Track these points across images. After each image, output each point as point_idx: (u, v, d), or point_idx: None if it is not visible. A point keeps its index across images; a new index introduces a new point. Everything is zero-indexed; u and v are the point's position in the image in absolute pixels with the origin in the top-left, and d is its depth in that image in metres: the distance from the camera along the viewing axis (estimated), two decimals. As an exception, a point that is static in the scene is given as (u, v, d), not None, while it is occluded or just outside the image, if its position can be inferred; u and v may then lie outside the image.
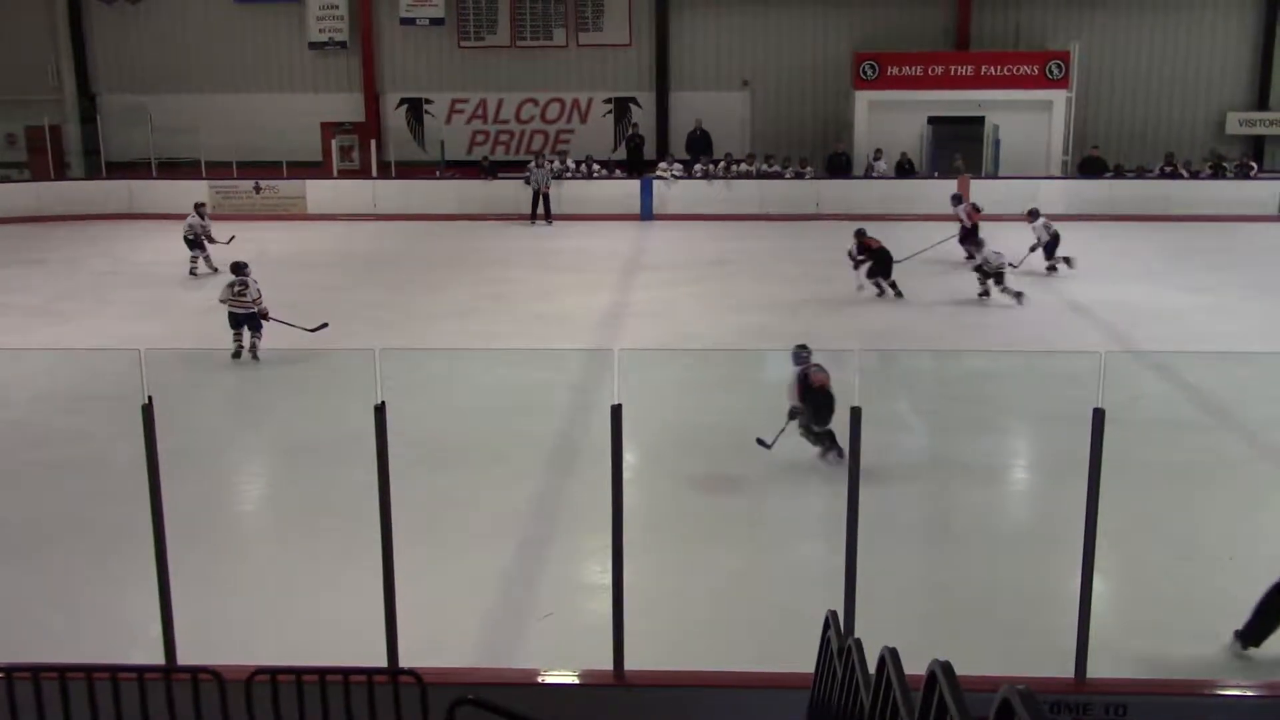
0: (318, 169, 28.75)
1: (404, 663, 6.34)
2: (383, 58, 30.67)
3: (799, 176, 27.62)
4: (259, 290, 14.90)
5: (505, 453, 11.65)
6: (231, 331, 14.69)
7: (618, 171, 28.41)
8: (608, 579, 6.69)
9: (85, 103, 30.66)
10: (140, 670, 5.92)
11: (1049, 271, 20.01)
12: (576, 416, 12.74)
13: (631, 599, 6.65)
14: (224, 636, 7.46)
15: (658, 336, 16.15)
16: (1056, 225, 20.46)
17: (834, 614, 6.03)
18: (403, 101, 30.88)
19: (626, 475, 6.54)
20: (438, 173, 28.48)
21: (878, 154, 27.72)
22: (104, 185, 27.57)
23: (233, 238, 20.28)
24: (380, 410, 6.20)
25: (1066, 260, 19.93)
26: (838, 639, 5.48)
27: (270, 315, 14.93)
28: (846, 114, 28.94)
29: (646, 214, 26.76)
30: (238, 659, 6.34)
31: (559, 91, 30.58)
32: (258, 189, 27.20)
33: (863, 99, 28.41)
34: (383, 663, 6.47)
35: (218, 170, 27.44)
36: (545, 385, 13.36)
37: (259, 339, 14.71)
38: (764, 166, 27.83)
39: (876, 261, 18.57)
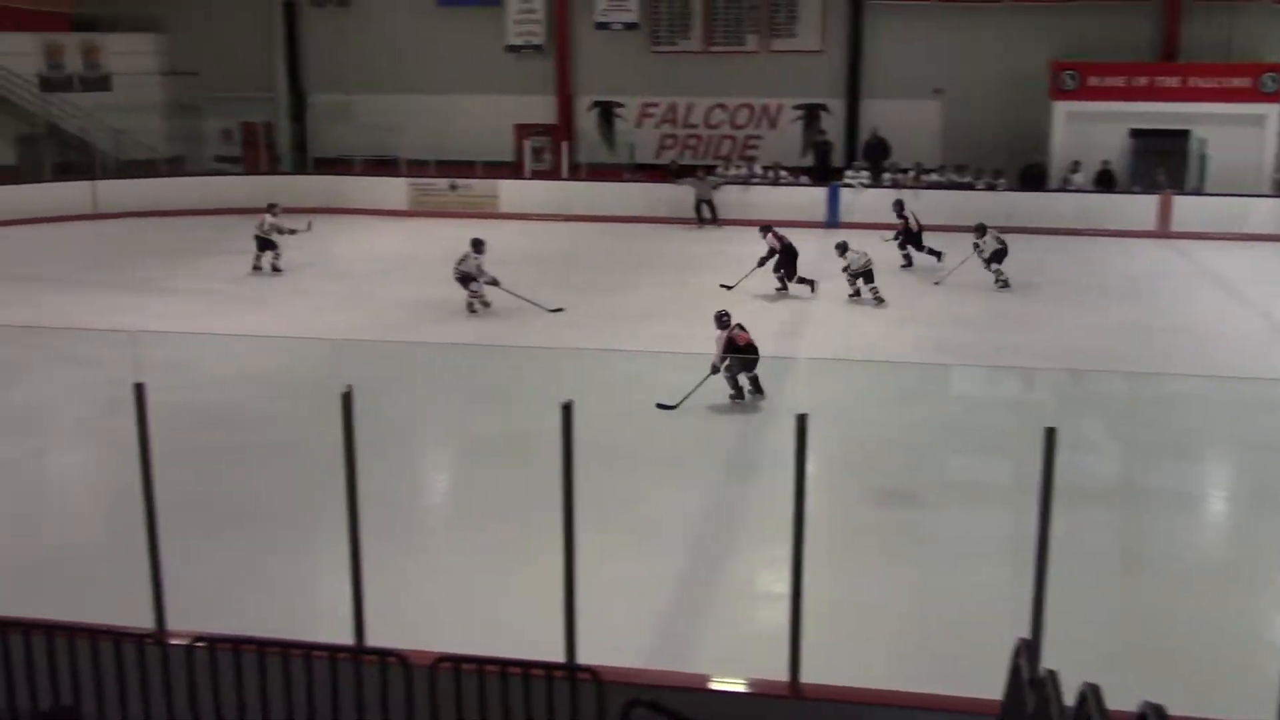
0: (511, 169, 29.42)
1: (579, 659, 6.42)
2: (577, 61, 31.19)
3: (991, 188, 26.93)
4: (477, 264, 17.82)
5: (684, 456, 11.70)
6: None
7: (804, 178, 28.20)
8: (782, 588, 6.64)
9: (296, 101, 32.13)
10: (332, 649, 6.16)
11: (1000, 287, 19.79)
12: (754, 423, 12.69)
13: (807, 610, 6.59)
14: (409, 621, 7.68)
15: (837, 346, 15.97)
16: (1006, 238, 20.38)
17: (1026, 642, 5.85)
18: (594, 104, 31.33)
19: (806, 485, 6.47)
20: (626, 175, 28.78)
21: (1075, 166, 26.80)
22: (310, 180, 28.79)
23: (310, 224, 20.80)
24: (567, 409, 6.29)
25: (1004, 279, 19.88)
26: (1029, 668, 5.31)
27: (500, 284, 17.67)
28: (1043, 124, 28.06)
29: (832, 221, 26.47)
30: (420, 644, 6.53)
31: (749, 97, 30.54)
32: (453, 187, 27.99)
33: (1061, 109, 27.51)
34: (558, 657, 6.56)
35: (416, 168, 28.36)
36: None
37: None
38: (954, 176, 27.21)
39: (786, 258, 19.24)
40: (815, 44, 29.97)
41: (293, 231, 20.63)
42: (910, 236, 21.77)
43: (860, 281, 18.73)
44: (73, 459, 12.83)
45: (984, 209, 26.06)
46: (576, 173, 28.82)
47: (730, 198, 27.06)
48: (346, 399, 6.45)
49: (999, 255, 20.08)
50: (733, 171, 28.42)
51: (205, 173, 29.91)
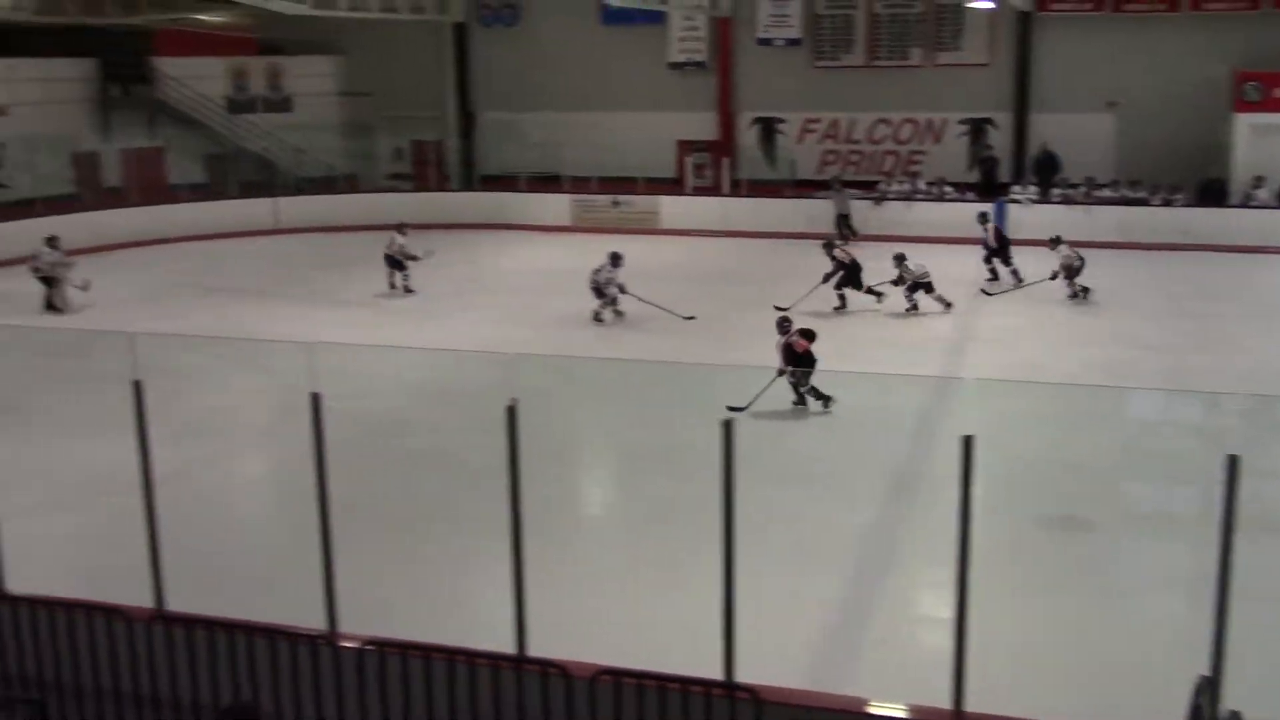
0: (672, 185, 29.61)
1: (737, 677, 6.40)
2: (738, 77, 31.23)
3: (1167, 204, 25.93)
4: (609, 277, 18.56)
5: (846, 475, 11.57)
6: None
7: (970, 194, 27.63)
8: (946, 612, 6.50)
9: (465, 119, 32.99)
10: (495, 658, 6.28)
11: (1071, 299, 19.70)
12: (918, 443, 12.48)
13: (971, 636, 6.43)
14: (569, 632, 7.77)
15: (1002, 366, 15.59)
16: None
17: (1207, 679, 5.61)
18: (755, 120, 31.31)
19: (972, 508, 6.33)
20: (787, 191, 28.66)
21: (1258, 181, 25.59)
22: (477, 196, 29.51)
23: (431, 252, 20.95)
24: (728, 426, 6.29)
25: (1084, 290, 19.76)
26: (1210, 707, 5.09)
27: (628, 291, 18.37)
28: (1223, 138, 26.88)
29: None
30: (580, 656, 6.61)
31: (913, 111, 30.10)
32: (615, 204, 28.31)
33: (1243, 122, 26.29)
34: (716, 673, 6.55)
35: (579, 185, 28.78)
36: (887, 409, 13.17)
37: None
38: (1128, 192, 26.29)
39: (849, 272, 19.20)
40: (982, 57, 29.36)
41: (414, 257, 20.83)
42: (994, 250, 21.52)
43: (920, 293, 18.95)
44: (250, 463, 13.39)
45: (1159, 225, 25.23)
46: (737, 189, 28.82)
47: (894, 215, 26.68)
48: (511, 411, 6.57)
49: (1074, 270, 19.87)
50: (895, 187, 28.03)
51: (377, 190, 30.93)
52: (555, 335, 17.75)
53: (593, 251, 20.80)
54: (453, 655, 6.36)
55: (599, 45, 31.88)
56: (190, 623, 6.84)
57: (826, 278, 19.37)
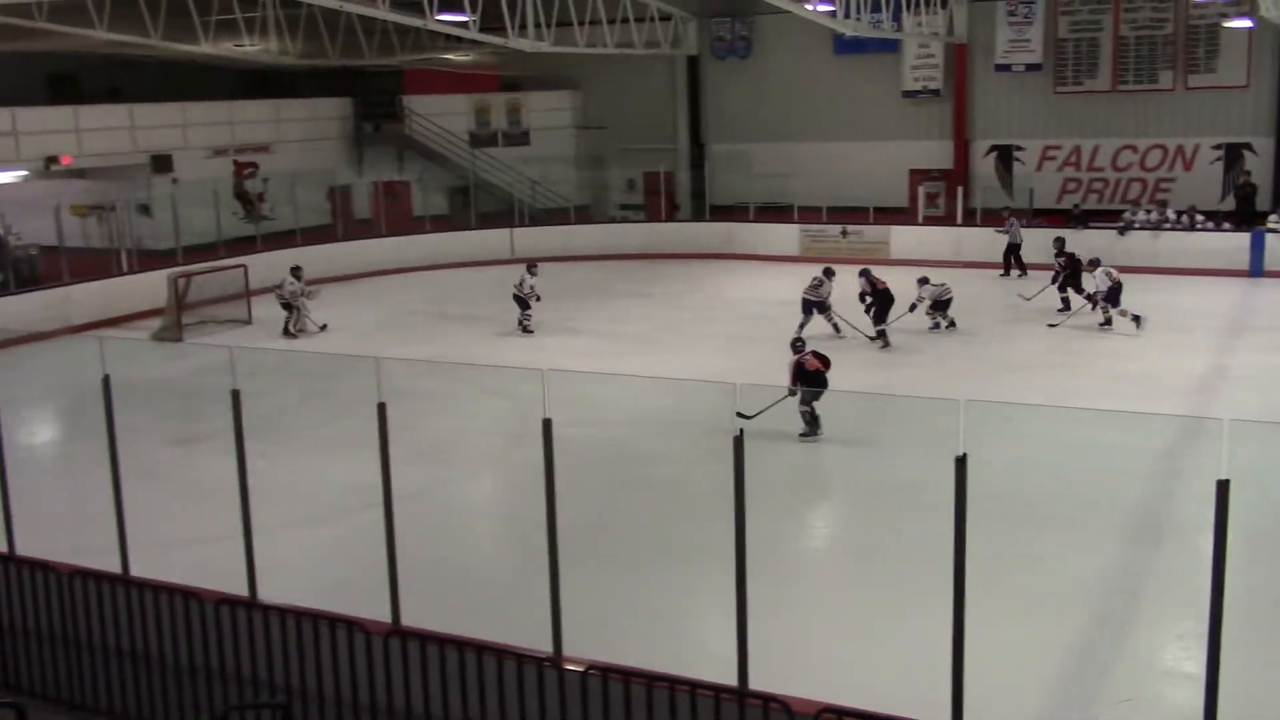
0: (903, 215, 29.13)
1: (966, 722, 6.21)
2: (975, 104, 30.52)
3: None
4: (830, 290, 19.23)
5: (1082, 517, 11.07)
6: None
7: (1226, 225, 26.09)
8: (1193, 667, 6.14)
9: (696, 150, 33.38)
10: (717, 689, 6.28)
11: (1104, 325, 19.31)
12: (1161, 487, 11.85)
13: (1223, 694, 6.04)
14: (789, 665, 7.71)
15: (1261, 407, 14.60)
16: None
17: None
18: (992, 149, 30.51)
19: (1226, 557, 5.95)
20: (1025, 221, 27.74)
21: None
22: (706, 227, 29.75)
23: (539, 296, 20.54)
24: (961, 463, 6.12)
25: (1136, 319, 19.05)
26: None
27: (831, 311, 19.02)
28: None
29: (1256, 270, 24.30)
30: (799, 691, 6.53)
31: (1161, 137, 28.72)
32: (844, 234, 28.03)
33: None
34: (942, 717, 6.37)
35: (808, 215, 28.64)
36: (1129, 450, 12.53)
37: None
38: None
39: (879, 302, 18.84)
40: (1239, 79, 27.75)
41: (538, 298, 20.50)
42: (1069, 278, 20.59)
43: (939, 313, 19.47)
44: (483, 486, 13.84)
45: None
46: (971, 218, 28.11)
47: (1139, 245, 25.44)
48: (738, 442, 6.58)
49: (1113, 294, 19.22)
50: (1142, 216, 26.75)
51: (608, 220, 31.59)
52: (783, 364, 17.63)
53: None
54: (674, 684, 6.39)
55: (831, 75, 31.75)
56: (424, 639, 7.10)
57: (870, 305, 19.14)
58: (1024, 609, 9.05)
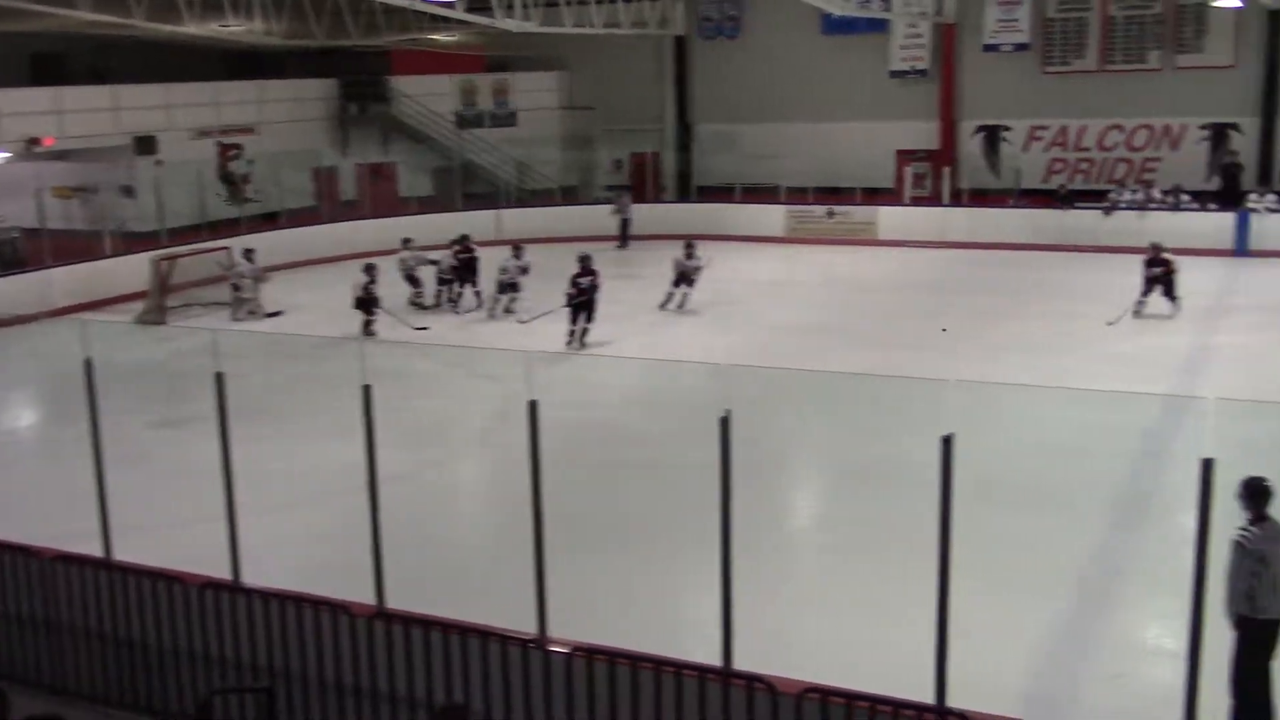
0: (890, 195, 29.11)
1: (949, 702, 6.20)
2: (962, 85, 30.49)
3: None
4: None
5: (1069, 497, 11.09)
6: None
7: (1212, 204, 26.13)
8: (1175, 644, 6.14)
9: (683, 131, 33.30)
10: (702, 670, 6.27)
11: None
12: (1146, 466, 11.87)
13: (1205, 671, 6.05)
14: (774, 646, 7.70)
15: (1245, 386, 14.63)
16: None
17: None
18: (979, 129, 30.50)
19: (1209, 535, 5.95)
20: (1011, 201, 27.78)
21: None
22: (692, 207, 29.69)
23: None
24: (947, 442, 6.11)
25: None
26: None
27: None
28: None
29: (1241, 249, 24.38)
30: (785, 671, 6.53)
31: (1148, 117, 28.74)
32: (830, 214, 28.01)
33: None
34: (926, 697, 6.37)
35: (794, 195, 28.61)
36: (1116, 429, 12.56)
37: None
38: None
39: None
40: (1226, 59, 27.78)
41: (525, 271, 20.64)
42: (1166, 280, 19.05)
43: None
44: (471, 468, 13.81)
45: None
46: (958, 198, 28.10)
47: (1125, 224, 25.49)
48: (724, 423, 6.55)
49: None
50: (1128, 196, 26.76)
51: (596, 201, 31.49)
52: (770, 345, 17.67)
53: (805, 262, 20.63)
54: (660, 665, 6.38)
55: (819, 55, 31.67)
56: (408, 621, 7.08)
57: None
58: (1009, 588, 9.06)
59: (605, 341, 18.08)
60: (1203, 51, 28.01)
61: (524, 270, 20.43)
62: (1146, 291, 18.98)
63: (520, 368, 6.98)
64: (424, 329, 18.96)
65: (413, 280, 21.39)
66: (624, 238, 27.52)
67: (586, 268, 18.43)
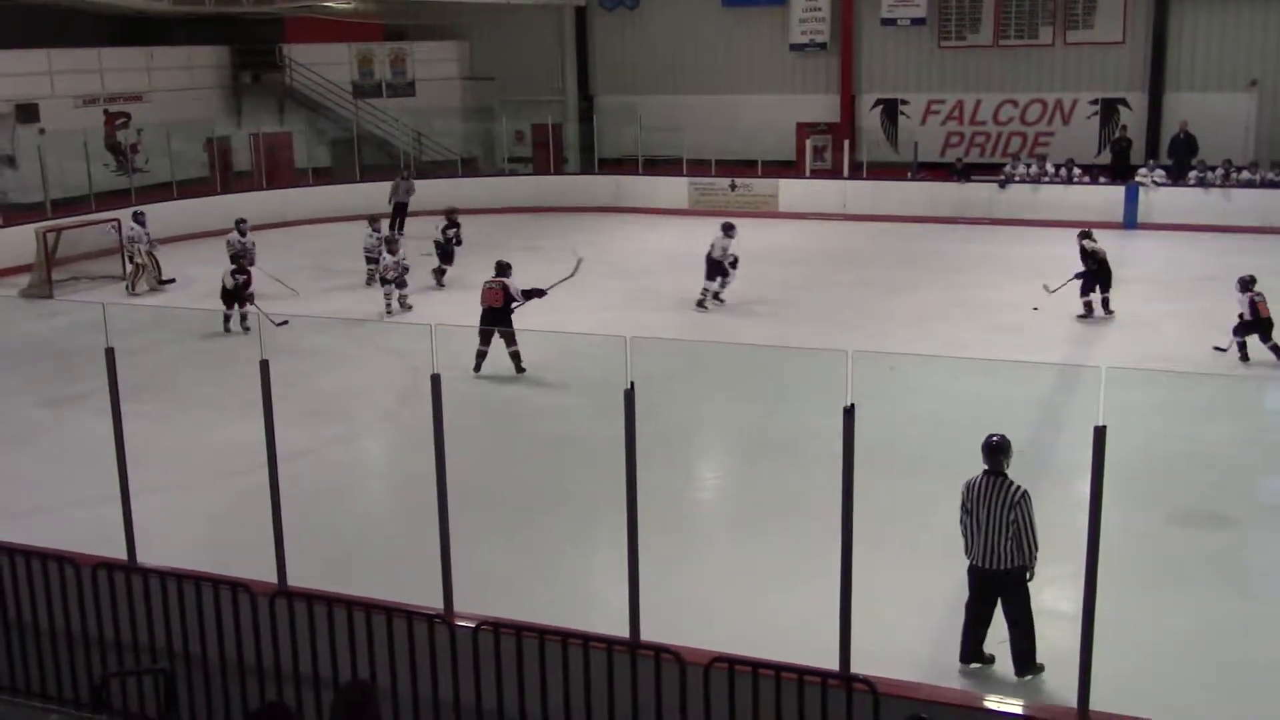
0: (791, 168, 29.33)
1: (854, 669, 6.30)
2: (861, 58, 30.79)
3: (1313, 187, 24.79)
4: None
5: (964, 466, 11.29)
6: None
7: (1102, 178, 26.80)
8: (1070, 607, 6.32)
9: (584, 103, 33.12)
10: (609, 641, 6.28)
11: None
12: (1042, 434, 12.16)
13: (1098, 633, 6.23)
14: (683, 618, 7.75)
15: (1134, 355, 15.08)
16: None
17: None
18: (878, 102, 30.86)
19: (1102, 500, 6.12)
20: (909, 174, 28.17)
21: None
22: (595, 180, 29.59)
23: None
24: (849, 413, 6.18)
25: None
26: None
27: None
28: (1376, 117, 25.65)
29: (1130, 222, 25.04)
30: (693, 642, 6.57)
31: (1041, 92, 29.34)
32: (733, 186, 28.15)
33: (1398, 100, 25.07)
34: (832, 664, 6.46)
35: (697, 168, 28.67)
36: (1011, 399, 12.82)
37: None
38: (1271, 175, 25.22)
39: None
40: (1115, 35, 28.45)
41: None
42: (1259, 325, 15.04)
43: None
44: (373, 444, 13.63)
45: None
46: (858, 172, 28.43)
47: (1020, 197, 26.06)
48: (629, 395, 6.55)
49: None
50: (1022, 169, 27.35)
51: (497, 173, 31.21)
52: (673, 318, 17.72)
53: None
54: (567, 637, 6.38)
55: (719, 27, 31.72)
56: (311, 599, 6.98)
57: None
58: (910, 557, 9.22)
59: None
60: (1093, 28, 28.62)
61: (387, 243, 19.84)
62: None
63: (423, 341, 6.89)
64: (285, 323, 15.06)
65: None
66: (399, 222, 25.14)
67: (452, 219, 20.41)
